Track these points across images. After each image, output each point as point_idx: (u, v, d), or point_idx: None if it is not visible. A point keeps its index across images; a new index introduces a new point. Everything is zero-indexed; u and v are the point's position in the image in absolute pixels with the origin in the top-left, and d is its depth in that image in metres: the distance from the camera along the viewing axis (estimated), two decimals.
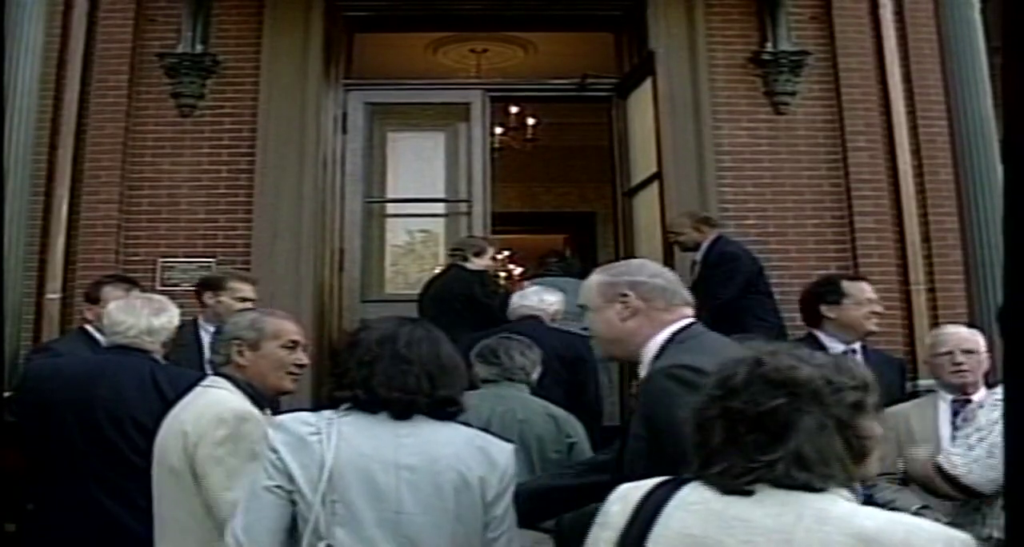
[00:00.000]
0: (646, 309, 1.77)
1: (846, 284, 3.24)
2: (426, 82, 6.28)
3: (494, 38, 7.16)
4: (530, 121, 8.56)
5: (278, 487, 1.53)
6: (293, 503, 1.53)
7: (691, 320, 1.79)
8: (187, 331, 3.29)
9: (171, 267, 5.02)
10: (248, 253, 5.09)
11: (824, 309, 3.19)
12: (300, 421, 1.58)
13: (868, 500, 2.75)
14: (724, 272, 4.23)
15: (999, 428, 2.13)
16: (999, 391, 2.33)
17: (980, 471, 2.16)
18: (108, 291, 3.37)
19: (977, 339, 3.00)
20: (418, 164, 5.70)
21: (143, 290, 3.51)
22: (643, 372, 1.77)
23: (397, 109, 5.86)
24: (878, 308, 3.23)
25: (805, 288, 3.49)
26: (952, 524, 1.81)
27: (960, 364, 2.91)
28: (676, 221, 4.68)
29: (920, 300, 5.06)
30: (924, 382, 4.81)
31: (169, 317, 2.58)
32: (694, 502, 1.18)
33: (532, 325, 3.78)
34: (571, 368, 3.63)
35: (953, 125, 4.01)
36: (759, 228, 5.20)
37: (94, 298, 3.40)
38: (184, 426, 1.94)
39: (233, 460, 1.85)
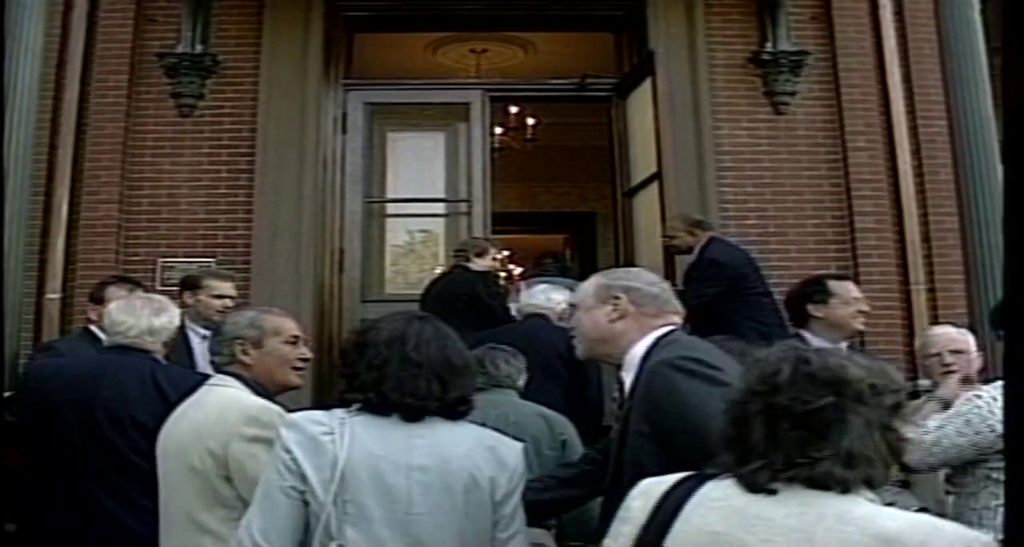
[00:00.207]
0: (635, 313, 1.82)
1: (832, 283, 3.24)
2: (426, 82, 6.28)
3: (494, 38, 7.16)
4: (530, 121, 8.56)
5: (292, 488, 1.53)
6: (306, 503, 1.53)
7: (673, 327, 1.84)
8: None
9: (171, 267, 5.02)
10: (248, 253, 5.09)
11: (811, 308, 3.20)
12: (313, 420, 1.58)
13: None
14: (702, 277, 4.23)
15: (957, 421, 2.25)
16: (991, 387, 2.35)
17: (921, 455, 2.28)
18: (112, 291, 3.38)
19: (966, 339, 3.01)
20: (418, 164, 5.69)
21: (145, 291, 3.51)
22: (628, 376, 1.79)
23: (397, 109, 5.85)
24: (865, 307, 3.23)
25: (791, 288, 3.51)
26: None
27: (949, 365, 2.93)
28: (669, 224, 4.70)
29: (920, 300, 5.06)
30: (924, 382, 4.82)
31: (170, 317, 2.58)
32: (716, 499, 1.18)
33: (539, 323, 3.84)
34: (573, 367, 3.65)
35: (953, 125, 4.02)
36: (759, 228, 5.20)
37: (98, 298, 3.41)
38: (203, 425, 1.93)
39: (267, 456, 1.84)
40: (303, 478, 1.52)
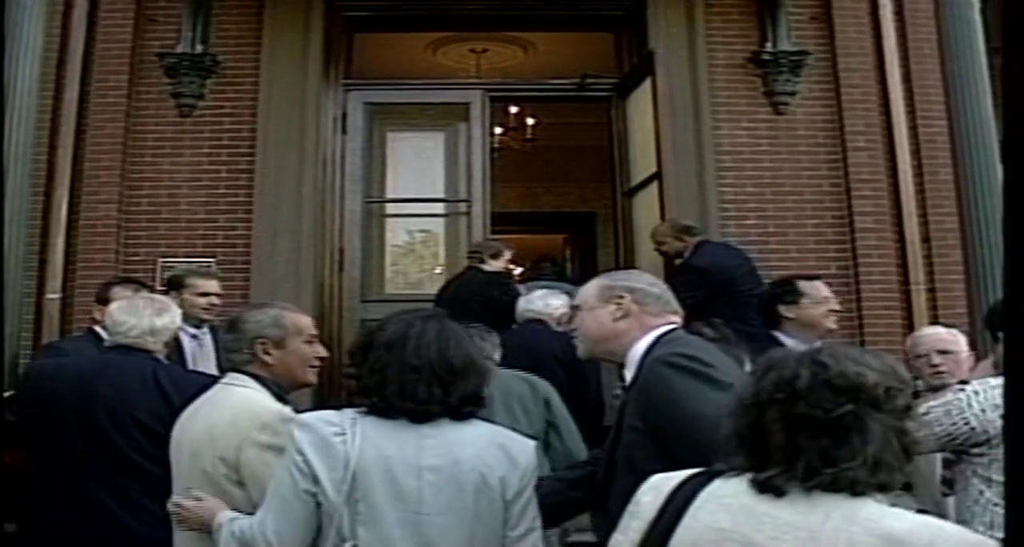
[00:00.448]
0: (638, 312, 1.85)
1: (802, 284, 3.25)
2: (426, 82, 6.28)
3: (494, 38, 7.17)
4: (530, 121, 8.56)
5: (305, 490, 1.54)
6: (318, 504, 1.54)
7: (674, 326, 1.87)
8: None
9: (171, 267, 4.99)
10: (248, 253, 5.09)
11: (783, 309, 3.20)
12: (324, 421, 1.59)
13: None
14: (682, 283, 4.24)
15: (939, 411, 2.26)
16: (977, 382, 2.36)
17: None
18: (117, 292, 3.39)
19: (956, 339, 3.00)
20: (418, 164, 5.70)
21: (150, 291, 3.52)
22: (629, 373, 1.82)
23: (397, 109, 5.85)
24: (835, 306, 3.24)
25: (763, 291, 3.52)
26: None
27: (937, 365, 2.91)
28: (658, 230, 4.74)
29: (920, 300, 5.07)
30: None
31: (171, 317, 2.58)
32: (725, 496, 1.18)
33: (537, 329, 3.89)
34: (571, 371, 3.67)
35: (953, 125, 4.01)
36: (759, 228, 5.21)
37: (103, 299, 3.41)
38: (215, 427, 1.91)
39: (280, 463, 1.84)
40: (315, 479, 1.53)
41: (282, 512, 1.56)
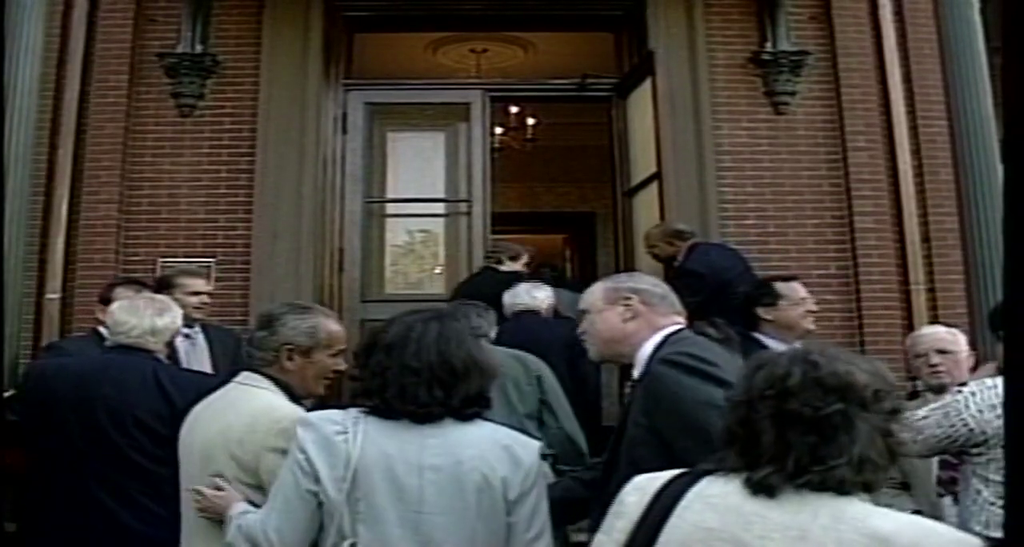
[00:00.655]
0: (646, 312, 1.89)
1: (779, 285, 3.25)
2: (426, 82, 6.28)
3: (494, 38, 7.16)
4: (530, 121, 8.56)
5: (307, 489, 1.55)
6: (320, 503, 1.54)
7: (681, 326, 1.92)
8: None
9: (171, 267, 5.02)
10: (248, 253, 5.09)
11: (760, 311, 3.21)
12: (328, 420, 1.60)
13: None
14: (680, 287, 4.25)
15: (938, 413, 2.29)
16: (975, 383, 2.36)
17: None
18: (120, 292, 3.39)
19: (956, 339, 2.98)
20: (418, 164, 5.69)
21: (153, 292, 3.52)
22: (637, 371, 1.86)
23: (397, 109, 5.85)
24: (813, 307, 3.25)
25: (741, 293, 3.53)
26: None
27: (935, 365, 2.91)
28: (650, 234, 4.77)
29: (920, 300, 5.06)
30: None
31: (172, 317, 2.58)
32: (712, 496, 1.19)
33: (533, 319, 3.99)
34: (570, 351, 3.73)
35: (953, 125, 4.01)
36: (759, 228, 5.21)
37: (107, 299, 3.41)
38: (232, 429, 1.90)
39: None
40: (316, 478, 1.54)
41: (284, 510, 1.57)
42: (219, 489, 1.85)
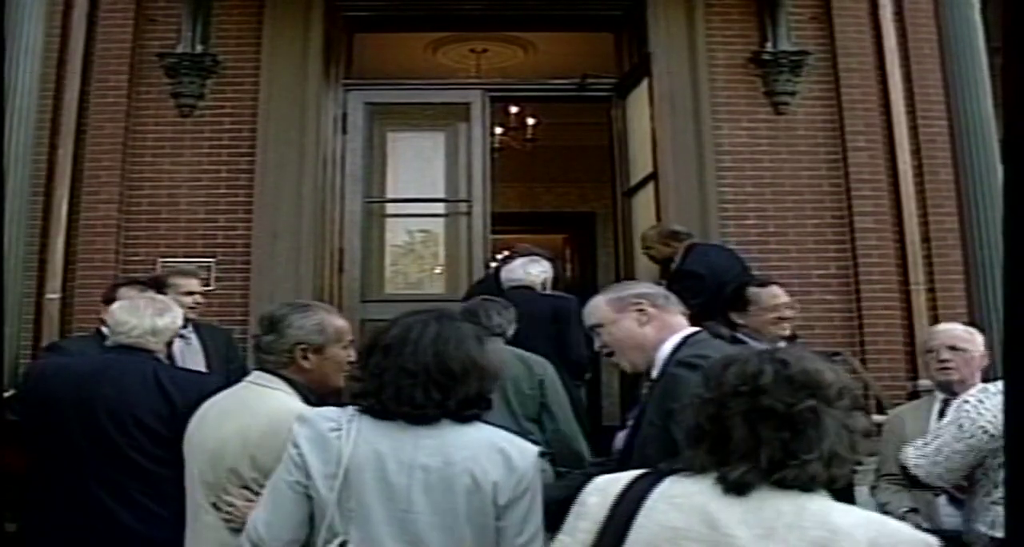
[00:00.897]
0: (659, 314, 1.93)
1: (752, 291, 3.22)
2: (426, 82, 6.28)
3: (494, 38, 7.16)
4: (530, 121, 8.55)
5: (296, 482, 1.56)
6: (310, 498, 1.55)
7: (698, 328, 1.94)
8: None
9: (172, 267, 5.03)
10: (248, 253, 5.09)
11: (733, 316, 3.20)
12: (324, 417, 1.60)
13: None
14: (682, 289, 4.25)
15: (952, 429, 2.27)
16: (976, 390, 2.35)
17: (927, 466, 2.30)
18: (123, 292, 3.38)
19: (971, 337, 2.91)
20: (418, 164, 5.70)
21: (157, 292, 3.52)
22: (655, 372, 1.88)
23: (397, 109, 5.85)
24: (788, 313, 3.17)
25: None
26: None
27: (945, 361, 2.85)
28: (647, 235, 4.77)
29: (920, 300, 5.07)
30: (924, 382, 4.82)
31: (172, 317, 2.58)
32: (676, 496, 1.21)
33: (525, 294, 4.09)
34: (556, 324, 3.93)
35: (953, 125, 4.01)
36: (759, 228, 5.21)
37: (110, 300, 3.40)
38: (250, 430, 1.89)
39: None
40: (307, 474, 1.54)
41: (273, 504, 1.58)
42: (250, 500, 1.84)
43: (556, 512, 1.67)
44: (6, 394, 3.26)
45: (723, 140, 5.29)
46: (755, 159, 5.30)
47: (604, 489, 1.29)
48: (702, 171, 5.17)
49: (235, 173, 5.21)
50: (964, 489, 2.45)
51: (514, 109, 8.32)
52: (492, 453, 1.57)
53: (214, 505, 1.90)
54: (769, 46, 5.34)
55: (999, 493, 2.20)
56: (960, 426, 2.24)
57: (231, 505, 1.87)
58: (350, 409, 1.61)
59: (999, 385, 2.25)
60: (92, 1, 5.21)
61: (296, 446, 1.57)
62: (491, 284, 4.61)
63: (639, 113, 5.45)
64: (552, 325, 3.89)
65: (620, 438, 3.90)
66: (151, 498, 2.26)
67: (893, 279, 5.13)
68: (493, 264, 5.07)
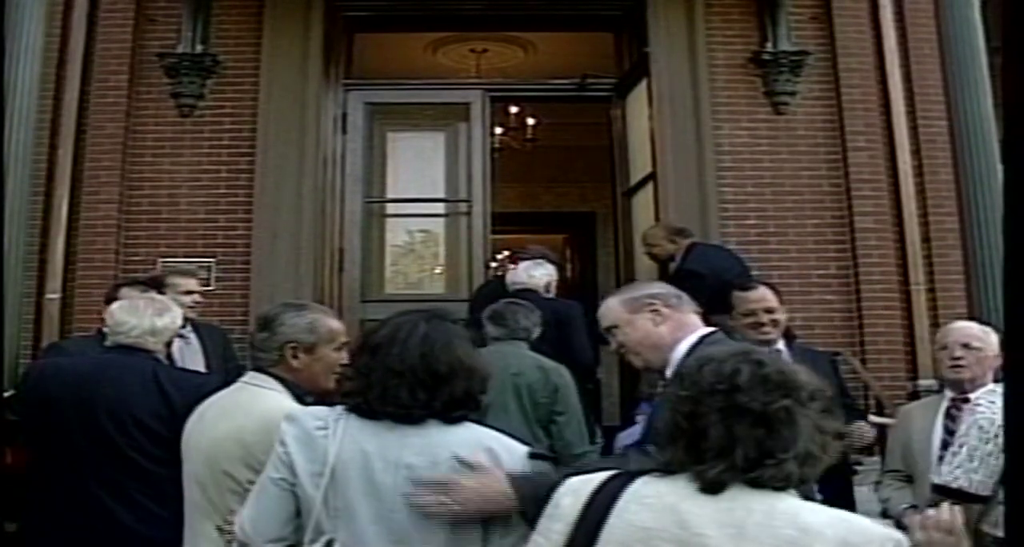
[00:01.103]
0: (673, 314, 1.94)
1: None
2: (426, 82, 6.28)
3: (494, 38, 7.16)
4: (530, 121, 8.55)
5: (282, 479, 1.56)
6: (297, 496, 1.56)
7: (715, 328, 1.95)
8: None
9: (172, 267, 5.02)
10: (248, 253, 5.09)
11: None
12: (312, 416, 1.61)
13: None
14: (685, 288, 4.24)
15: (974, 431, 2.22)
16: (984, 392, 2.34)
17: (965, 475, 2.22)
18: (125, 293, 3.38)
19: (985, 336, 2.85)
20: (418, 164, 5.70)
21: (159, 292, 3.52)
22: (669, 371, 1.87)
23: (397, 109, 5.86)
24: (765, 318, 3.10)
25: None
26: None
27: (958, 359, 2.82)
28: (650, 233, 4.73)
29: (920, 300, 5.07)
30: (924, 382, 4.82)
31: (172, 317, 2.58)
32: (648, 496, 1.22)
33: (528, 297, 4.08)
34: (560, 329, 3.95)
35: (953, 125, 4.01)
36: (759, 228, 5.21)
37: (112, 299, 3.40)
38: (243, 430, 1.89)
39: None
40: (293, 472, 1.55)
41: (258, 501, 1.59)
42: None
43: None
44: (6, 394, 3.26)
45: (723, 140, 5.28)
46: (755, 159, 5.30)
47: (577, 490, 1.30)
48: (702, 171, 5.17)
49: (235, 173, 5.21)
50: None
51: (514, 109, 8.32)
52: (480, 453, 1.57)
53: (219, 528, 1.89)
54: (769, 46, 5.34)
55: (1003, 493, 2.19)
56: (980, 428, 2.21)
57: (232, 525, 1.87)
58: (338, 408, 1.61)
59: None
60: (92, 1, 5.21)
61: (283, 444, 1.58)
62: (497, 287, 4.61)
63: (639, 113, 5.45)
64: (554, 329, 3.89)
65: (621, 438, 3.92)
66: (151, 498, 2.26)
67: (893, 279, 5.13)
68: (493, 264, 5.06)
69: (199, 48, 5.26)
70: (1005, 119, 1.13)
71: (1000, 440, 2.17)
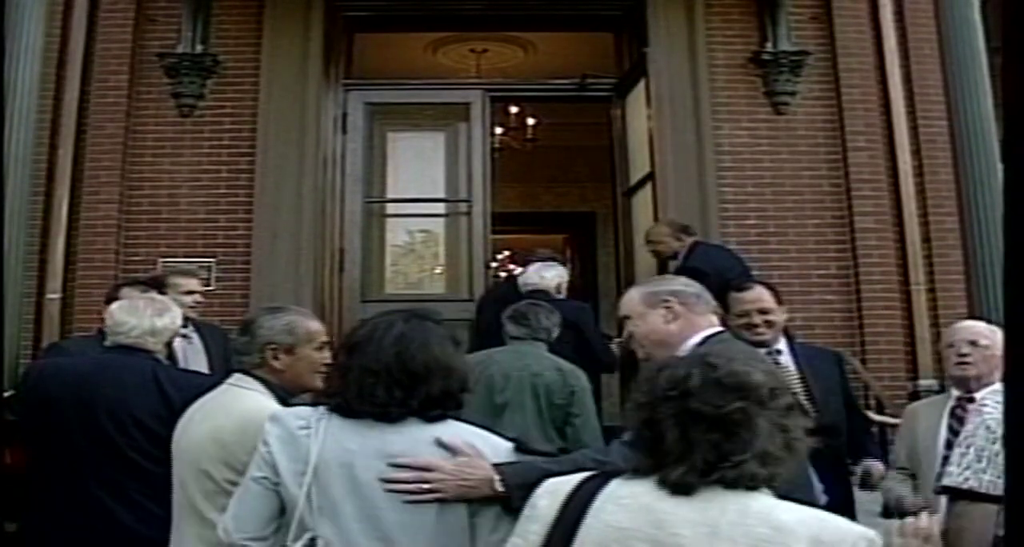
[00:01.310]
0: (685, 313, 1.94)
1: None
2: (426, 82, 6.28)
3: (494, 38, 7.16)
4: (530, 121, 8.55)
5: (264, 478, 1.58)
6: (280, 494, 1.57)
7: (721, 329, 1.95)
8: None
9: (172, 267, 5.02)
10: (248, 253, 5.10)
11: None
12: (295, 415, 1.62)
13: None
14: None
15: (982, 432, 2.18)
16: (989, 392, 2.34)
17: (975, 475, 2.20)
18: (126, 293, 3.38)
19: (991, 334, 2.84)
20: (418, 164, 5.70)
21: (160, 292, 3.52)
22: None
23: (397, 109, 5.86)
24: (756, 319, 3.07)
25: None
26: None
27: (964, 356, 2.80)
28: (655, 231, 4.72)
29: (920, 300, 5.07)
30: (924, 382, 4.83)
31: (172, 318, 2.58)
32: (623, 497, 1.24)
33: (540, 298, 4.09)
34: (573, 330, 3.96)
35: (953, 125, 4.01)
36: (759, 228, 5.21)
37: (113, 300, 3.40)
38: (222, 430, 1.91)
39: None
40: (275, 471, 1.57)
41: (241, 500, 1.61)
42: None
43: None
44: (6, 394, 3.25)
45: (723, 140, 5.29)
46: (755, 159, 5.30)
47: (554, 491, 1.31)
48: (702, 171, 5.17)
49: (235, 173, 5.21)
50: None
51: (514, 109, 8.32)
52: (459, 439, 1.58)
53: None
54: (769, 46, 5.34)
55: None
56: (988, 427, 2.19)
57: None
58: (321, 408, 1.62)
59: None
60: (92, 1, 5.22)
61: (266, 444, 1.59)
62: (507, 289, 4.61)
63: (639, 113, 5.45)
64: (566, 330, 3.88)
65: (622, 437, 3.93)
66: (150, 498, 2.26)
67: (893, 279, 5.13)
68: (493, 264, 5.06)
69: (199, 48, 5.27)
70: (1005, 119, 1.13)
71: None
